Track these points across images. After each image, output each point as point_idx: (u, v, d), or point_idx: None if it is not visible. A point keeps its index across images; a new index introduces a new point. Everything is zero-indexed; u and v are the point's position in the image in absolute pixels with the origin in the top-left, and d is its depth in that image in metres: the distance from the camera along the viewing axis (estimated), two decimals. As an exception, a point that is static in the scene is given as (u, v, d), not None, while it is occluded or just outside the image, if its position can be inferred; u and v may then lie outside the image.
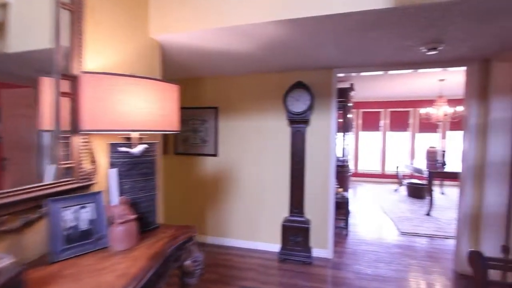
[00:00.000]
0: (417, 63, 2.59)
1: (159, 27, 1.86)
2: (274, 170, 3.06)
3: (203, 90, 3.25)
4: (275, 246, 3.04)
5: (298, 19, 1.65)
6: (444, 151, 5.31)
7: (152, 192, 1.33)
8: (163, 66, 2.40)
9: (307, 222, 2.83)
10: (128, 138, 1.27)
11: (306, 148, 2.88)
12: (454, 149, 7.15)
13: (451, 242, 3.34)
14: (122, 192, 1.23)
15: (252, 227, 3.17)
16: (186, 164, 3.35)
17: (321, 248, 2.96)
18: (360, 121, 7.81)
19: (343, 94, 4.72)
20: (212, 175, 3.27)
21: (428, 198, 4.70)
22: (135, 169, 1.25)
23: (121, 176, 1.22)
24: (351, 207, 4.94)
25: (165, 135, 3.34)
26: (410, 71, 2.72)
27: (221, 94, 3.20)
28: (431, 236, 3.57)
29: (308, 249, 2.80)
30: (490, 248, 2.50)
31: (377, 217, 4.43)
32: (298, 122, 2.79)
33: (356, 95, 6.38)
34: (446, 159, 5.26)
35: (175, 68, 2.84)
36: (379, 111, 7.67)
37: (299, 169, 2.83)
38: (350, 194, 5.73)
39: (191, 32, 1.87)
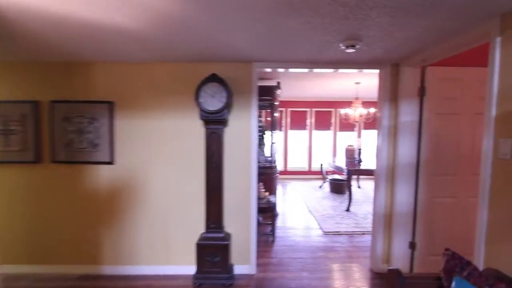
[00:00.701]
0: (337, 62, 2.49)
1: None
2: (187, 179, 2.58)
3: (93, 79, 2.51)
4: (190, 269, 2.57)
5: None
6: (360, 149, 5.74)
7: None
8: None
9: (226, 237, 2.45)
10: None
11: (224, 152, 2.50)
12: (369, 147, 7.95)
13: (368, 238, 3.49)
14: None
15: (162, 249, 2.62)
16: (69, 176, 2.55)
17: (243, 263, 2.64)
18: (288, 120, 7.95)
19: (270, 92, 4.55)
20: (108, 189, 2.57)
21: (347, 193, 4.96)
22: None
23: None
24: (279, 208, 4.86)
25: (36, 137, 2.46)
26: (331, 70, 2.61)
27: (119, 86, 2.52)
28: (350, 234, 3.68)
29: (228, 269, 2.43)
30: (401, 244, 2.61)
31: (303, 218, 4.42)
32: (214, 122, 2.37)
33: (283, 94, 6.39)
34: (362, 157, 5.69)
35: (41, 46, 2.05)
36: (305, 111, 7.95)
37: (216, 176, 2.42)
38: (278, 194, 5.71)
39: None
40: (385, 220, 2.69)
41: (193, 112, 2.49)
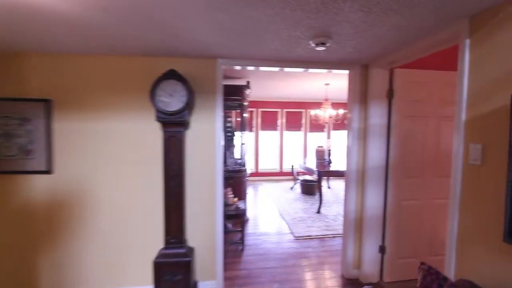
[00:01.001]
0: (307, 61, 2.37)
1: None
2: (142, 189, 2.28)
3: (26, 73, 2.10)
4: (148, 289, 2.28)
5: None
6: (330, 150, 5.77)
7: None
8: None
9: (188, 253, 2.20)
10: None
11: (185, 158, 2.24)
12: (338, 148, 8.11)
13: (339, 241, 3.45)
14: None
15: (116, 269, 2.29)
16: (-6, 189, 2.11)
17: (209, 279, 2.41)
18: (259, 121, 7.81)
19: (239, 91, 4.35)
20: (46, 203, 2.17)
21: (318, 194, 4.93)
22: None
23: None
24: (249, 212, 4.68)
25: (-51, 143, 1.99)
26: (301, 70, 2.48)
27: (58, 81, 2.14)
28: (321, 238, 3.62)
29: (191, 287, 2.18)
30: (371, 249, 2.57)
31: (274, 222, 4.29)
32: (173, 124, 2.11)
33: (253, 94, 6.23)
34: (332, 158, 5.73)
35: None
36: (276, 111, 7.88)
37: (176, 185, 2.16)
38: (249, 197, 5.54)
39: None
40: (355, 224, 2.63)
41: (150, 113, 2.20)
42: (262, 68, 2.44)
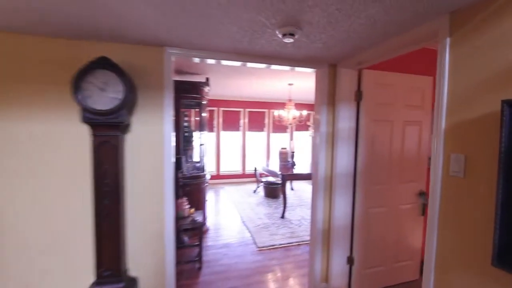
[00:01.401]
0: (271, 56, 2.10)
1: None
2: (65, 210, 1.78)
3: None
4: (75, 336, 1.79)
5: None
6: (293, 152, 5.66)
7: None
8: None
9: (128, 287, 1.77)
10: None
11: (125, 168, 1.81)
12: (301, 149, 8.12)
13: (305, 249, 3.28)
14: None
15: (27, 314, 1.76)
16: None
17: (157, 313, 2.00)
18: (220, 120, 7.42)
19: (197, 89, 3.94)
20: None
21: (282, 198, 4.75)
22: None
23: None
24: (210, 221, 4.30)
25: None
26: (264, 66, 2.20)
27: None
28: (286, 246, 3.41)
29: (132, 328, 1.76)
30: (340, 260, 2.41)
31: (236, 231, 3.97)
32: (107, 127, 1.66)
33: (214, 92, 5.84)
34: (295, 160, 5.62)
35: None
36: (238, 111, 7.56)
37: (112, 203, 1.72)
38: (210, 203, 5.13)
39: None
40: (323, 234, 2.45)
41: (74, 112, 1.71)
42: (222, 62, 2.10)
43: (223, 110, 7.40)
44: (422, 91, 2.49)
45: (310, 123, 7.66)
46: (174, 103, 2.09)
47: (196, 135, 4.29)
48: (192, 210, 3.04)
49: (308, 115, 7.11)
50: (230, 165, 7.75)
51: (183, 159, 3.62)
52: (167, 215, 1.99)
